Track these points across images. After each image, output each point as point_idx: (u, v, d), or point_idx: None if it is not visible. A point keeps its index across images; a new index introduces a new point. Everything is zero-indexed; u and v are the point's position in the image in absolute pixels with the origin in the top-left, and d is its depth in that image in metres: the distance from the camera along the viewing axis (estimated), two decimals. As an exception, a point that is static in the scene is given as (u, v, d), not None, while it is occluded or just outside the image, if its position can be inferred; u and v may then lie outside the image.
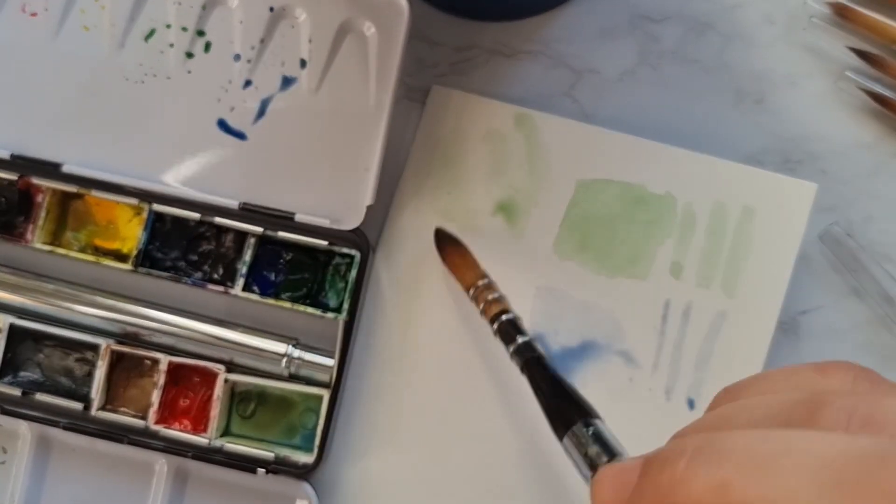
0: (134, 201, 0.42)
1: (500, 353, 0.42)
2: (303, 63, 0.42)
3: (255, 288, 0.42)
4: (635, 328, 0.42)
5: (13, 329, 0.42)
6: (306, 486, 0.41)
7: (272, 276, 0.42)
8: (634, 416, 0.42)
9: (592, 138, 0.43)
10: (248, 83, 0.42)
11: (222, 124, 0.42)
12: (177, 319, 0.42)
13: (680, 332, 0.42)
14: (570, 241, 0.43)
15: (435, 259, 0.43)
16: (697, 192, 0.43)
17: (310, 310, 0.42)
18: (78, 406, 0.41)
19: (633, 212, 0.43)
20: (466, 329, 0.42)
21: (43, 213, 0.42)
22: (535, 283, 0.42)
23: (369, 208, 0.41)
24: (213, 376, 0.42)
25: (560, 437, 0.31)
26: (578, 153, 0.43)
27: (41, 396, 0.41)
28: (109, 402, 0.42)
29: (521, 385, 0.42)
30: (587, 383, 0.42)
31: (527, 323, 0.42)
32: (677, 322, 0.42)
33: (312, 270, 0.43)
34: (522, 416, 0.42)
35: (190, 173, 0.42)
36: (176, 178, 0.42)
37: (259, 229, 0.42)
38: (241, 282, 0.42)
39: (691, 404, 0.42)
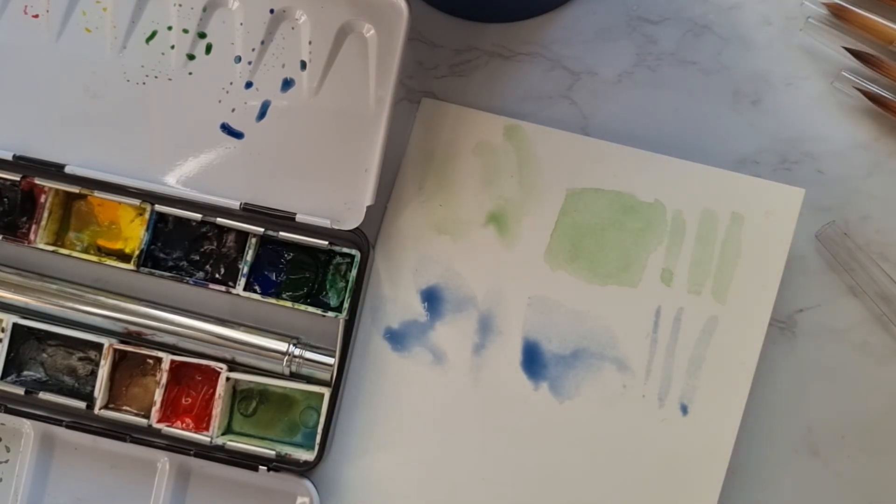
0: (136, 202, 0.42)
1: (500, 352, 0.43)
2: (303, 65, 0.42)
3: (257, 287, 0.42)
4: (627, 335, 0.42)
5: (16, 328, 0.42)
6: (307, 483, 0.42)
7: (273, 276, 0.43)
8: (628, 423, 0.42)
9: (582, 148, 0.43)
10: (248, 84, 0.43)
11: (224, 125, 0.43)
12: (179, 319, 0.43)
13: (672, 339, 0.42)
14: (561, 250, 0.43)
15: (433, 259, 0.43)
16: (687, 200, 0.43)
17: (310, 309, 0.42)
18: (81, 405, 0.42)
19: (623, 220, 0.43)
20: (467, 329, 0.43)
21: (46, 214, 0.43)
22: (527, 292, 0.43)
23: (369, 208, 0.41)
24: (214, 375, 0.42)
25: None
26: (568, 163, 0.43)
27: (44, 395, 0.42)
28: (112, 401, 0.43)
29: (521, 384, 0.42)
30: (581, 391, 0.42)
31: (520, 332, 0.43)
32: (669, 328, 0.42)
33: (313, 270, 0.43)
34: (522, 416, 0.42)
35: (192, 174, 0.42)
36: (178, 178, 0.42)
37: (260, 229, 0.42)
38: (242, 281, 0.42)
39: (684, 410, 0.42)
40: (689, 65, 0.45)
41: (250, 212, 0.42)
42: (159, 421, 0.42)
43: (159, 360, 0.42)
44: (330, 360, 0.42)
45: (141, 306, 0.43)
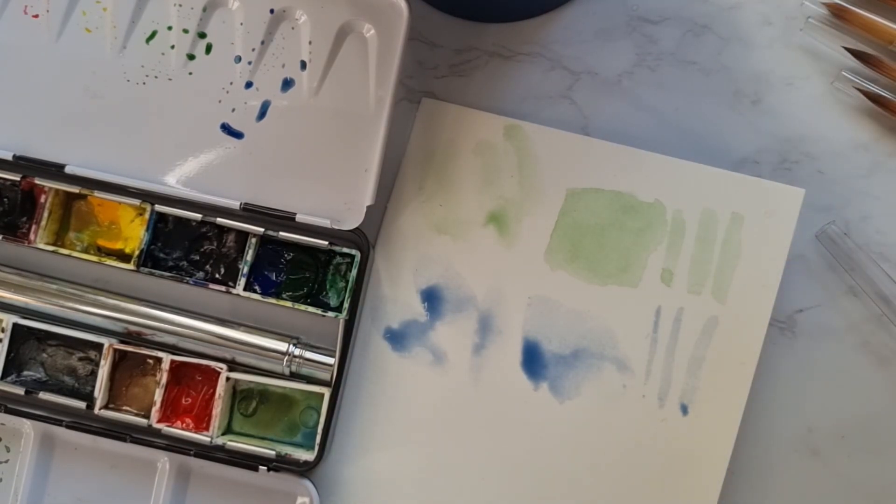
0: (136, 202, 0.42)
1: (500, 352, 0.43)
2: (303, 64, 0.42)
3: (257, 287, 0.42)
4: (627, 335, 0.42)
5: (16, 328, 0.42)
6: (307, 483, 0.42)
7: (273, 276, 0.43)
8: (629, 423, 0.42)
9: (582, 148, 0.43)
10: (249, 84, 0.43)
11: (224, 125, 0.43)
12: (179, 319, 0.43)
13: (672, 339, 0.42)
14: (561, 249, 0.43)
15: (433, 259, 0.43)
16: (686, 200, 0.43)
17: (311, 309, 0.42)
18: (81, 405, 0.42)
19: (623, 220, 0.43)
20: (467, 329, 0.43)
21: (46, 214, 0.43)
22: (527, 292, 0.43)
23: (369, 208, 0.41)
24: (214, 375, 0.42)
25: None
26: (568, 163, 0.43)
27: (45, 395, 0.42)
28: (112, 401, 0.43)
29: (521, 384, 0.42)
30: (581, 391, 0.42)
31: (520, 331, 0.43)
32: (669, 328, 0.42)
33: (313, 270, 0.43)
34: (522, 416, 0.42)
35: (192, 174, 0.42)
36: (178, 178, 0.42)
37: (260, 229, 0.42)
38: (242, 281, 0.42)
39: (684, 410, 0.42)
40: (690, 65, 0.45)
41: (250, 212, 0.42)
42: (159, 421, 0.42)
43: (159, 360, 0.42)
44: (330, 360, 0.42)
45: (141, 306, 0.43)
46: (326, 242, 0.42)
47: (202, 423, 0.42)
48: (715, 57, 0.45)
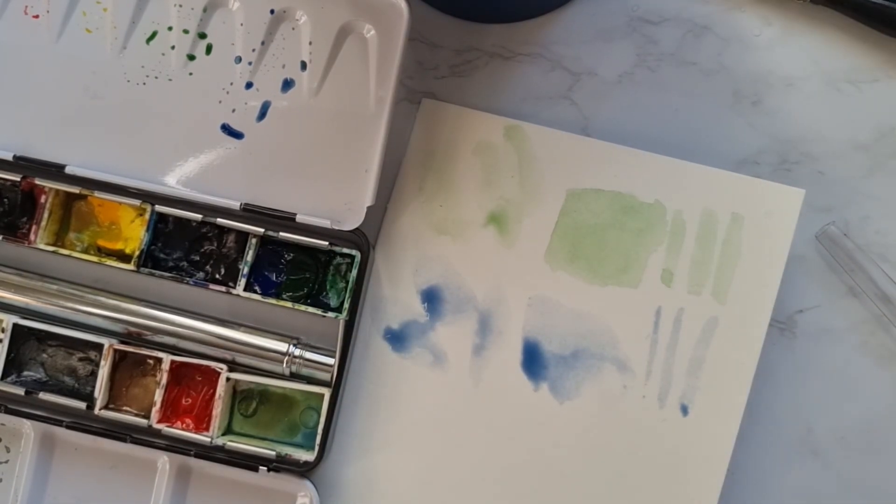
0: (136, 202, 0.42)
1: (500, 353, 0.43)
2: (303, 65, 0.42)
3: (257, 288, 0.42)
4: (628, 336, 0.42)
5: (17, 329, 0.42)
6: (307, 484, 0.42)
7: (273, 277, 0.43)
8: (629, 423, 0.42)
9: (582, 148, 0.43)
10: (249, 85, 0.43)
11: (224, 126, 0.43)
12: (179, 319, 0.43)
13: (672, 339, 0.42)
14: (561, 250, 0.43)
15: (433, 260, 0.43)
16: (687, 201, 0.43)
17: (311, 309, 0.42)
18: (81, 405, 0.42)
19: (623, 220, 0.43)
20: (467, 329, 0.43)
21: (46, 214, 0.43)
22: (527, 292, 0.43)
23: (369, 209, 0.41)
24: (215, 375, 0.42)
25: None
26: (568, 163, 0.43)
27: (45, 396, 0.42)
28: (112, 402, 0.43)
29: (522, 384, 0.43)
30: (581, 391, 0.42)
31: (520, 332, 0.43)
32: (669, 329, 0.42)
33: (313, 270, 0.43)
34: (522, 416, 0.42)
35: (192, 174, 0.42)
36: (178, 179, 0.42)
37: (260, 230, 0.42)
38: (242, 282, 0.42)
39: (685, 410, 0.42)
40: (690, 65, 0.45)
41: (250, 212, 0.42)
42: (159, 421, 0.42)
43: (159, 360, 0.42)
44: (330, 361, 0.42)
45: (141, 307, 0.43)
46: (326, 243, 0.42)
47: (202, 423, 0.42)
48: (715, 57, 0.45)
